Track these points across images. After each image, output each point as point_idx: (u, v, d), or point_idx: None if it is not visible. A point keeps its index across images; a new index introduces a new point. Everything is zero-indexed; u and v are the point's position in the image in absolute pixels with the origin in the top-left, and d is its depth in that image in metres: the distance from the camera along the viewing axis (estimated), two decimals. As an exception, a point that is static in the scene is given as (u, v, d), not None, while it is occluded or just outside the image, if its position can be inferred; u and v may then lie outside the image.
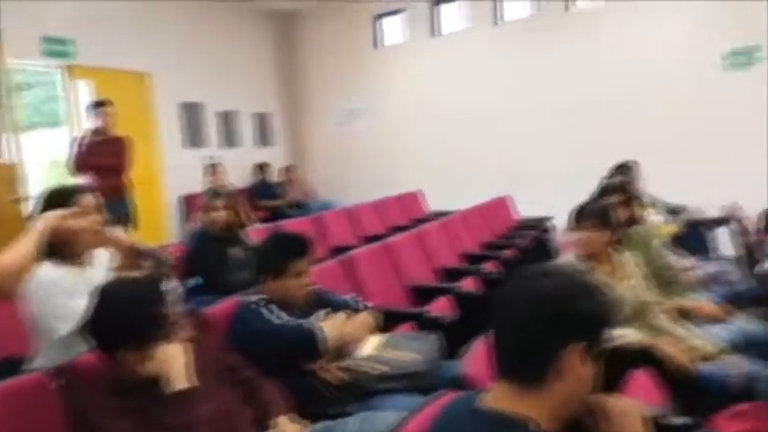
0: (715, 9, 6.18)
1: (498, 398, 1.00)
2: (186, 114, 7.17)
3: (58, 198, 1.92)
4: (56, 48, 5.56)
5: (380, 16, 8.34)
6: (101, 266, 2.01)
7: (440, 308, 3.03)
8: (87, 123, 4.75)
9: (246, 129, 8.18)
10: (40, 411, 1.50)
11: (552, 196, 5.31)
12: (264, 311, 2.04)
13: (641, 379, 1.75)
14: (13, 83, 4.76)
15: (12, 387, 1.52)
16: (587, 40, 6.88)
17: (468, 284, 3.47)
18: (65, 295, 1.81)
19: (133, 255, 2.01)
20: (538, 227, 5.63)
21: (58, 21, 5.54)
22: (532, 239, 5.08)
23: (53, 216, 1.74)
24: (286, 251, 2.12)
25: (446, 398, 1.25)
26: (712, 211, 4.95)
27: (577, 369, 0.96)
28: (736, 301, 2.91)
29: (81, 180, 4.80)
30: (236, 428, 1.62)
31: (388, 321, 2.45)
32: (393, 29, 8.34)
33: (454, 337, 2.30)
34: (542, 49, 7.15)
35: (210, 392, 1.63)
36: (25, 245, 1.56)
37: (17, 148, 4.44)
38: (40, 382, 1.54)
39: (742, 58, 6.11)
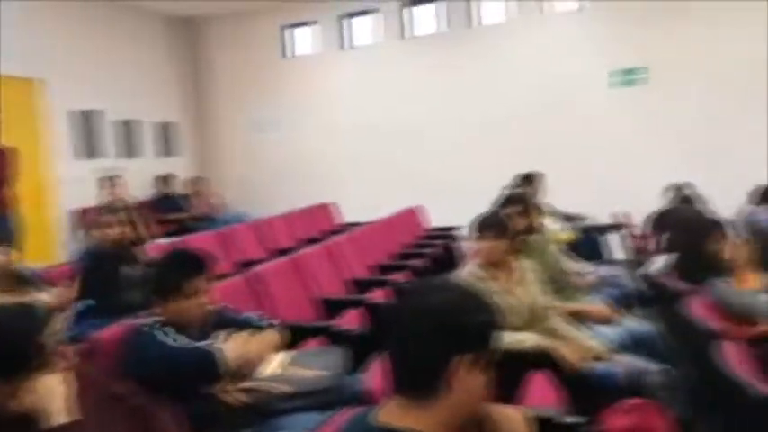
0: (604, 32, 6.73)
1: (391, 413, 1.00)
2: (81, 123, 6.69)
3: None
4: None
5: (290, 26, 8.28)
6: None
7: (350, 320, 3.00)
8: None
9: (149, 139, 7.77)
10: None
11: (465, 206, 5.48)
12: (158, 334, 1.91)
13: (539, 381, 1.82)
14: None
15: None
16: (491, 56, 7.24)
17: (377, 295, 3.48)
18: None
19: (11, 279, 1.82)
20: (447, 236, 5.77)
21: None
22: (442, 248, 5.20)
23: None
24: (181, 269, 2.00)
25: (345, 415, 1.23)
26: (605, 219, 5.34)
27: (466, 380, 0.97)
28: (625, 303, 3.13)
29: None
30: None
31: (298, 336, 2.39)
32: (304, 39, 8.31)
33: (360, 351, 2.29)
34: (450, 65, 7.42)
35: (95, 425, 1.51)
36: None
37: None
38: None
39: (626, 77, 6.68)
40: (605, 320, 2.68)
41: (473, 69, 7.29)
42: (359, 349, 2.28)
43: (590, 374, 2.20)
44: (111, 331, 2.02)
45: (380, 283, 3.74)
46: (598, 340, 2.42)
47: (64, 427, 1.35)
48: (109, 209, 3.14)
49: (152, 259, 2.49)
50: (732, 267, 2.61)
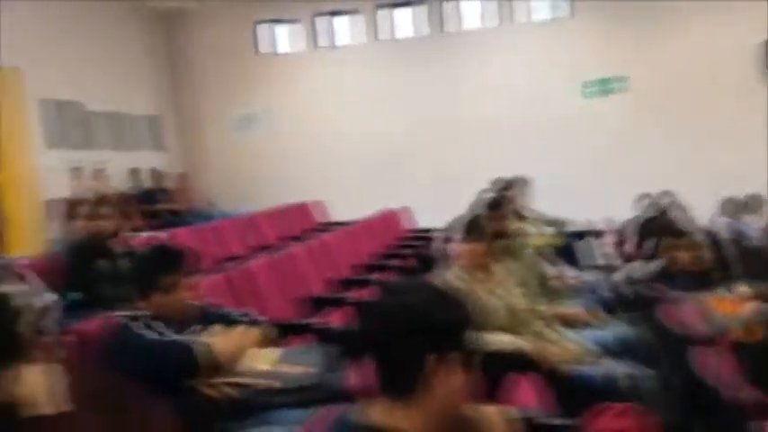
0: (581, 42, 6.87)
1: (376, 411, 1.01)
2: (59, 113, 6.57)
3: None
4: None
5: (264, 22, 8.23)
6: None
7: (334, 318, 3.00)
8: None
9: (133, 131, 7.68)
10: None
11: (445, 207, 5.54)
12: (138, 327, 1.90)
13: (523, 383, 1.84)
14: None
15: None
16: (467, 61, 7.34)
17: (362, 294, 3.48)
18: None
19: None
20: (430, 237, 5.79)
21: None
22: (426, 249, 5.22)
23: None
24: (160, 264, 2.00)
25: (330, 413, 1.24)
26: (586, 225, 5.42)
27: (445, 380, 0.98)
28: (607, 308, 3.18)
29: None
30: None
31: (282, 333, 2.38)
32: (281, 37, 8.29)
33: (344, 349, 2.29)
34: (426, 68, 7.50)
35: (84, 417, 1.49)
36: None
37: None
38: None
39: (601, 86, 6.83)
40: (587, 324, 2.72)
41: (449, 74, 7.39)
42: (345, 347, 2.28)
43: (571, 377, 2.23)
44: (94, 324, 2.00)
45: (365, 282, 3.75)
46: (580, 344, 2.46)
47: (48, 418, 1.33)
48: (99, 201, 3.08)
49: (132, 253, 2.47)
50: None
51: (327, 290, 3.74)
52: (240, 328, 2.06)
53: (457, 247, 2.55)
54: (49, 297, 1.81)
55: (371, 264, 4.52)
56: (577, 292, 3.33)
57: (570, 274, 3.52)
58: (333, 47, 8.01)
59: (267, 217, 5.71)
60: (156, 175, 7.42)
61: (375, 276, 3.95)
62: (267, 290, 3.05)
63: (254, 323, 2.16)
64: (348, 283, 3.81)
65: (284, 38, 8.26)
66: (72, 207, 3.03)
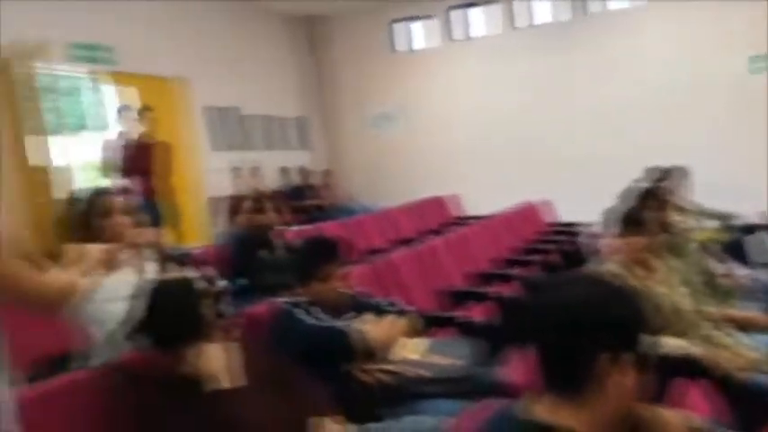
0: (740, 16, 6.08)
1: (542, 408, 0.98)
2: (220, 118, 7.27)
3: (88, 200, 1.96)
4: (99, 54, 5.72)
5: (400, 21, 8.34)
6: (150, 269, 2.03)
7: (475, 312, 2.99)
8: (120, 127, 4.86)
9: (282, 132, 8.27)
10: (96, 401, 1.54)
11: (594, 201, 5.22)
12: (296, 312, 2.05)
13: (693, 390, 1.69)
14: (45, 88, 4.89)
15: (72, 380, 1.58)
16: (612, 43, 6.80)
17: (503, 288, 3.43)
18: (101, 300, 1.84)
19: (162, 257, 2.02)
20: (573, 232, 5.52)
21: (89, 27, 5.67)
22: (572, 244, 4.98)
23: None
24: (318, 255, 2.13)
25: (489, 406, 1.23)
26: (757, 217, 4.80)
27: (617, 378, 0.93)
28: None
29: (118, 182, 4.94)
30: (280, 428, 1.62)
31: (430, 325, 2.43)
32: (422, 33, 8.37)
33: (491, 343, 2.28)
34: (567, 54, 7.08)
35: (254, 392, 1.64)
36: (71, 275, 1.43)
37: (47, 151, 4.57)
38: (96, 376, 1.58)
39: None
40: (764, 328, 2.42)
41: (594, 58, 6.92)
42: (486, 341, 2.27)
43: (748, 385, 2.00)
44: (260, 309, 2.19)
45: (506, 277, 3.68)
46: (756, 349, 2.19)
47: (227, 392, 1.49)
48: (259, 197, 3.39)
49: (293, 244, 2.66)
50: None
51: (467, 283, 3.73)
52: (391, 318, 2.14)
53: (612, 242, 2.40)
54: (222, 283, 2.01)
55: (511, 258, 4.43)
56: (749, 292, 2.97)
57: (741, 272, 3.15)
58: (468, 39, 7.93)
59: (405, 211, 5.84)
60: (304, 172, 7.92)
61: (516, 271, 3.86)
62: (410, 281, 3.12)
63: (402, 313, 2.23)
64: (488, 277, 3.77)
65: (419, 34, 8.35)
66: (236, 203, 3.35)
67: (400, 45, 8.45)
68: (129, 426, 1.54)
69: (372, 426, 1.67)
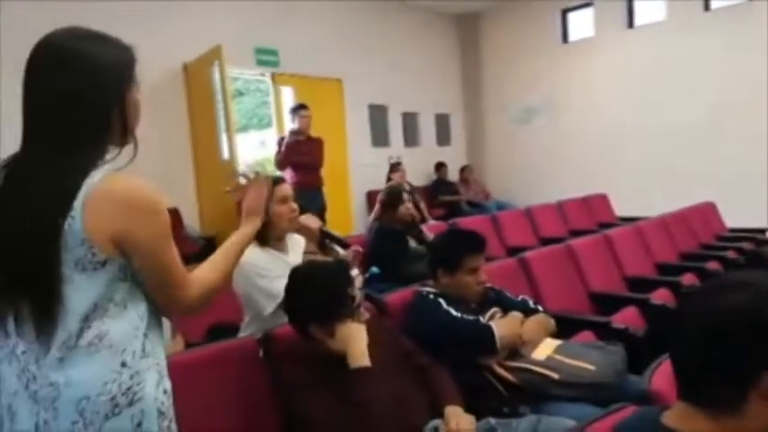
0: None
1: (684, 419, 0.91)
2: (372, 116, 7.61)
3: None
4: (265, 57, 6.30)
5: (567, 10, 7.97)
6: (296, 250, 2.23)
7: (626, 318, 2.80)
8: (293, 124, 5.31)
9: (426, 129, 8.42)
10: (244, 371, 1.73)
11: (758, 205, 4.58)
12: (442, 303, 2.08)
13: None
14: (230, 90, 5.51)
15: (223, 348, 1.78)
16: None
17: (660, 296, 3.15)
18: (268, 278, 2.03)
19: (322, 237, 2.18)
20: (750, 239, 4.87)
21: (265, 32, 6.25)
22: (742, 253, 4.41)
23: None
24: (461, 246, 2.15)
25: (626, 411, 1.17)
26: None
27: None
28: None
29: (284, 174, 5.40)
30: (411, 411, 1.68)
31: (567, 328, 2.34)
32: (579, 23, 7.92)
33: (639, 351, 2.12)
34: (746, 37, 6.20)
35: (389, 374, 1.71)
36: (232, 260, 1.31)
37: (232, 146, 5.14)
38: (245, 347, 1.77)
39: None
40: None
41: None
42: (633, 350, 2.12)
43: None
44: (399, 295, 2.27)
45: (664, 284, 3.38)
46: None
47: (365, 370, 1.57)
48: (402, 191, 3.51)
49: (436, 235, 2.71)
50: None
51: (612, 287, 3.49)
52: (539, 317, 2.12)
53: None
54: (354, 272, 2.14)
55: (676, 264, 4.04)
56: None
57: None
58: (640, 26, 7.29)
59: (556, 208, 5.60)
60: (443, 168, 7.99)
61: (678, 279, 3.51)
62: (550, 281, 3.01)
63: (541, 312, 2.18)
64: (639, 283, 3.49)
65: (585, 22, 7.88)
66: (390, 197, 3.48)
67: (566, 35, 8.08)
68: (273, 397, 1.69)
69: (501, 420, 1.66)
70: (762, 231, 5.01)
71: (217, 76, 5.13)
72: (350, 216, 7.07)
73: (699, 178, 6.47)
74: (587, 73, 7.66)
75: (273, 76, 6.47)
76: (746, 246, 4.63)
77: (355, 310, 1.66)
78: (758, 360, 0.83)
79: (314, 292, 1.66)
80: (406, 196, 3.44)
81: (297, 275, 1.73)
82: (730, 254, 4.26)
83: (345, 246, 2.24)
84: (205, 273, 1.18)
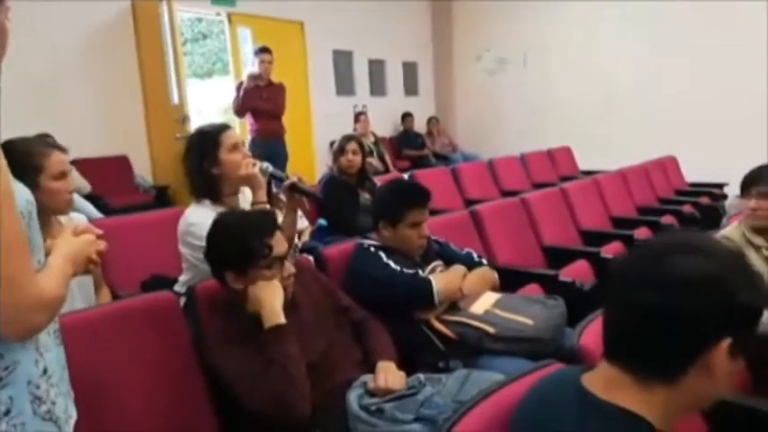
0: None
1: (608, 384, 0.85)
2: (336, 62, 7.31)
3: (206, 135, 2.02)
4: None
5: None
6: (246, 205, 2.08)
7: (575, 272, 2.78)
8: (254, 69, 5.05)
9: (394, 77, 8.17)
10: (163, 326, 1.64)
11: (726, 161, 4.63)
12: (383, 256, 2.01)
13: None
14: (179, 29, 5.17)
15: (149, 300, 1.69)
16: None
17: (612, 249, 3.15)
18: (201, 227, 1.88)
19: (292, 191, 2.02)
20: (707, 193, 4.92)
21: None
22: (698, 207, 4.45)
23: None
24: (404, 200, 2.07)
25: (550, 368, 1.12)
26: None
27: (725, 365, 0.78)
28: None
29: (243, 121, 5.19)
30: (340, 367, 1.64)
31: (514, 281, 2.30)
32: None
33: (587, 306, 2.10)
34: None
35: (320, 329, 1.66)
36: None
37: (182, 91, 4.89)
38: (163, 299, 1.68)
39: None
40: None
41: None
42: (580, 303, 2.09)
43: None
44: (341, 248, 2.18)
45: (618, 237, 3.38)
46: None
47: (280, 327, 1.48)
48: (346, 139, 3.37)
49: (380, 187, 2.62)
50: None
51: (566, 241, 3.47)
52: (482, 270, 2.07)
53: (747, 203, 2.12)
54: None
55: (632, 218, 4.06)
56: None
57: None
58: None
59: (519, 161, 5.53)
60: (409, 119, 7.81)
61: (635, 232, 3.51)
62: (502, 234, 2.96)
63: (485, 265, 2.13)
64: (595, 237, 3.49)
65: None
66: (341, 146, 3.34)
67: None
68: (195, 353, 1.62)
69: (431, 375, 1.62)
70: (720, 186, 5.06)
71: (165, 15, 4.81)
72: (313, 167, 6.90)
73: (662, 132, 6.50)
74: (564, 24, 7.49)
75: (230, 17, 6.13)
76: (703, 200, 4.69)
77: (274, 260, 1.56)
78: (712, 332, 0.77)
79: (228, 240, 1.56)
80: (350, 146, 3.29)
81: (216, 223, 1.63)
82: (686, 208, 4.31)
83: (317, 200, 2.11)
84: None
